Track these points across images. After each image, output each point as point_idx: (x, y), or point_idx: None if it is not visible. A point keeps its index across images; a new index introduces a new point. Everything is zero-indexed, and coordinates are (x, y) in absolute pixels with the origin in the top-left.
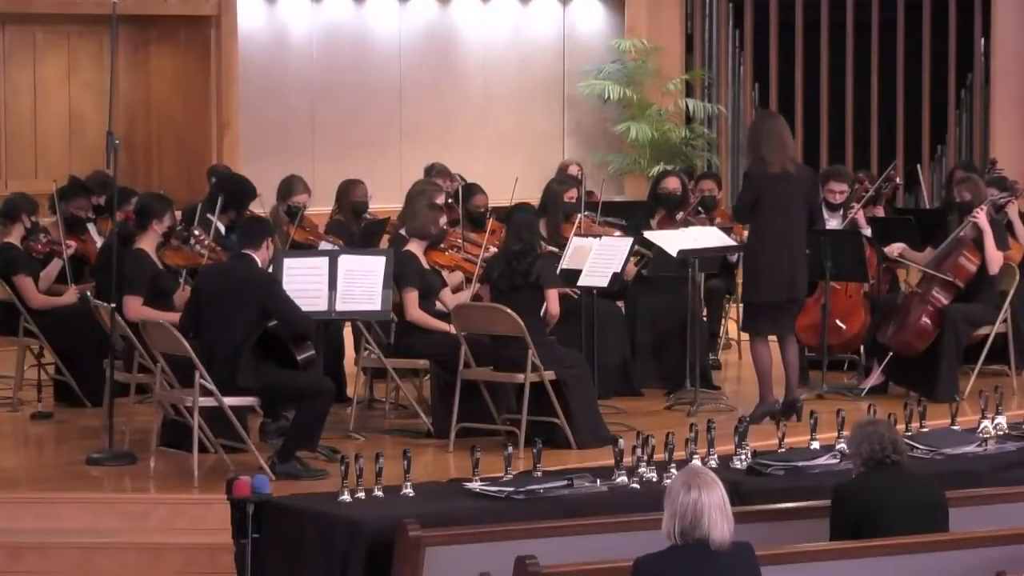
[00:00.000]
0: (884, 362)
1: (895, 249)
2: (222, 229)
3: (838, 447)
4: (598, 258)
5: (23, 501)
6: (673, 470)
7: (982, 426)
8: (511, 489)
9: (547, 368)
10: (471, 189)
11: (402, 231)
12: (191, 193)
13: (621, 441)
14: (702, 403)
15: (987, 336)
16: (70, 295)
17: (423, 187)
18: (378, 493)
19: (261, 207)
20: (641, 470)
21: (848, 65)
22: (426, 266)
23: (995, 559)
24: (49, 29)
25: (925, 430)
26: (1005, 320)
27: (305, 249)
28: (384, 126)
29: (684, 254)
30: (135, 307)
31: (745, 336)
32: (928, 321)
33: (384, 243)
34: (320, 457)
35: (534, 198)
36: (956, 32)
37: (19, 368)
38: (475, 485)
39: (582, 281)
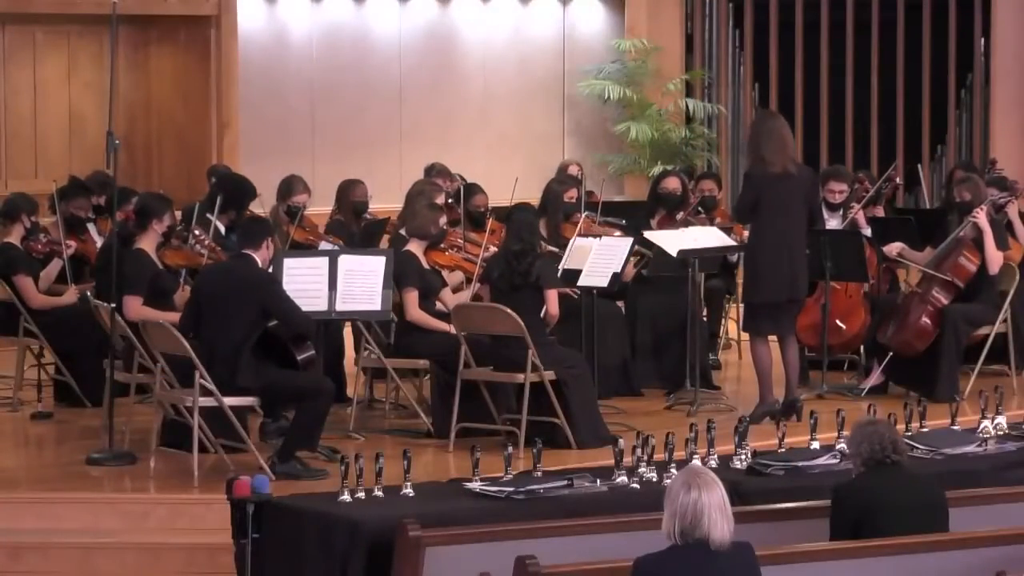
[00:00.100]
0: (884, 362)
1: (893, 249)
2: (222, 229)
3: (838, 447)
4: (598, 258)
5: (23, 501)
6: (673, 470)
7: (982, 426)
8: (511, 489)
9: (547, 368)
10: (471, 189)
11: (402, 231)
12: (191, 193)
13: (621, 441)
14: (702, 403)
15: (987, 336)
16: (70, 295)
17: (423, 187)
18: (378, 493)
19: (261, 207)
20: (641, 470)
21: (848, 65)
22: (426, 266)
23: (995, 559)
24: (49, 29)
25: (925, 430)
26: (1005, 320)
27: (305, 249)
28: (384, 126)
29: (684, 254)
30: (135, 307)
31: (745, 336)
32: (928, 321)
33: (384, 243)
34: (320, 457)
35: (534, 198)
36: (956, 32)
37: (19, 368)
38: (475, 485)
39: (582, 281)
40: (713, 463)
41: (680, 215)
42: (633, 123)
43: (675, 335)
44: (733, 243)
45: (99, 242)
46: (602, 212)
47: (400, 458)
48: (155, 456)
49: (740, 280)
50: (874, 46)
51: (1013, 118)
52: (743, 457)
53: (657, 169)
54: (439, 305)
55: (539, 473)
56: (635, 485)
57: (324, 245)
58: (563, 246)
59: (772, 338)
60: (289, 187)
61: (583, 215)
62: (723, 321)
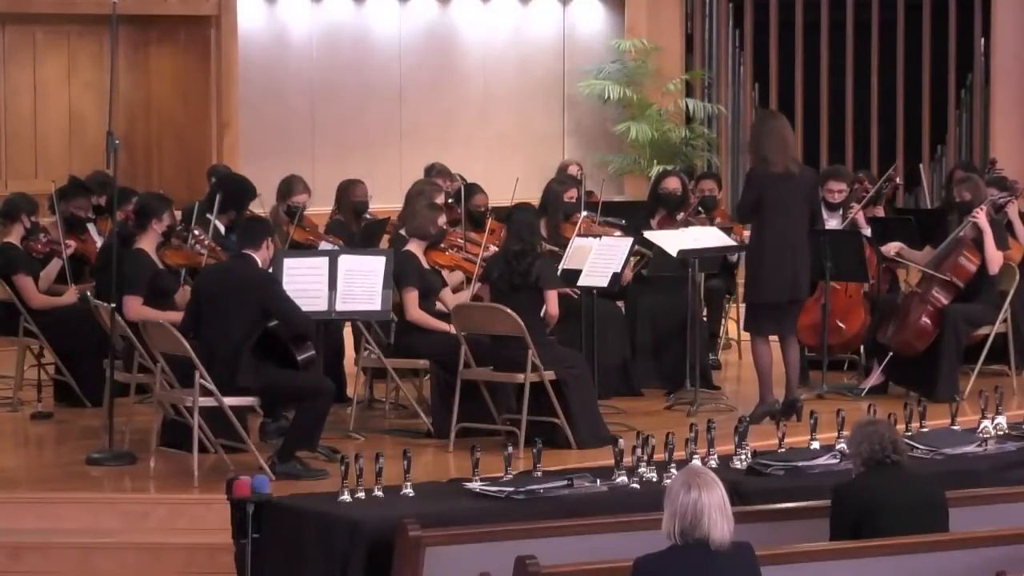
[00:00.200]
0: (884, 362)
1: (892, 248)
2: (222, 229)
3: (838, 447)
4: (598, 258)
5: (23, 501)
6: (673, 470)
7: (982, 426)
8: (511, 489)
9: (547, 368)
10: (471, 189)
11: (402, 231)
12: (191, 193)
13: (621, 441)
14: (702, 403)
15: (987, 336)
16: (70, 295)
17: (423, 187)
18: (378, 493)
19: (261, 207)
20: (641, 470)
21: (848, 65)
22: (426, 266)
23: (995, 559)
24: (49, 29)
25: (925, 430)
26: (1005, 320)
27: (305, 249)
28: (384, 126)
29: (684, 254)
30: (135, 307)
31: (745, 336)
32: (928, 321)
33: (384, 243)
34: (320, 457)
35: (534, 198)
36: (956, 32)
37: (19, 368)
38: (475, 485)
39: (582, 281)
40: (713, 463)
41: (680, 215)
42: (633, 123)
43: (675, 335)
44: (733, 243)
45: (99, 242)
46: (602, 212)
47: (400, 458)
48: (155, 456)
49: (740, 280)
50: (874, 46)
51: (1013, 118)
52: (743, 457)
53: (657, 169)
54: (439, 305)
55: (539, 473)
56: (635, 485)
57: (324, 245)
58: (563, 246)
59: (773, 338)
60: (289, 187)
61: (583, 215)
62: (723, 321)
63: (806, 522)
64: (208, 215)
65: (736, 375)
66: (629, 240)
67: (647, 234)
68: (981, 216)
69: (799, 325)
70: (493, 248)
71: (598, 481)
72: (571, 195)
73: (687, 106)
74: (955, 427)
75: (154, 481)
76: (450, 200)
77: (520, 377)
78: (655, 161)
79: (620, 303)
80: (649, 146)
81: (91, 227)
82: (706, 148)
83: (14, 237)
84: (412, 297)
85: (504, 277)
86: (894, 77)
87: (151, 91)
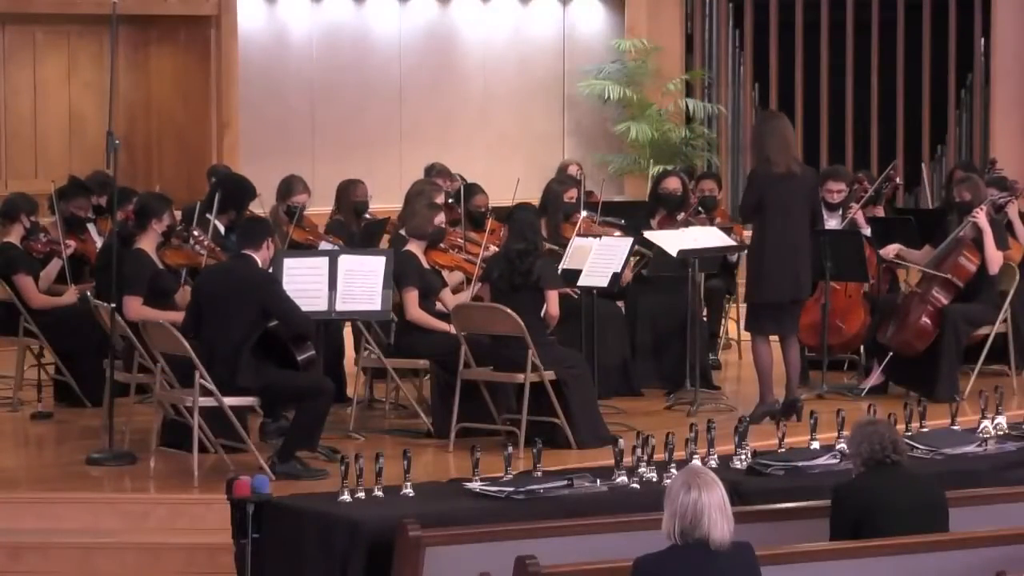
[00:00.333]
0: (884, 362)
1: (891, 251)
2: (222, 229)
3: (838, 447)
4: (598, 258)
5: (23, 501)
6: (673, 470)
7: (982, 426)
8: (511, 489)
9: (547, 368)
10: (471, 189)
11: (402, 231)
12: (191, 193)
13: (621, 441)
14: (702, 403)
15: (987, 336)
16: (70, 295)
17: (423, 187)
18: (378, 493)
19: (261, 207)
20: (641, 470)
21: (848, 65)
22: (426, 266)
23: (995, 559)
24: (49, 29)
25: (925, 430)
26: (1005, 320)
27: (304, 249)
28: (384, 126)
29: (684, 254)
30: (135, 307)
31: (745, 336)
32: (928, 321)
33: (384, 243)
34: (320, 457)
35: (534, 198)
36: (956, 32)
37: (19, 368)
38: (475, 485)
39: (582, 281)
40: (713, 463)
41: (680, 215)
42: (633, 123)
43: (675, 335)
44: (733, 243)
45: (99, 242)
46: (602, 212)
47: (400, 458)
48: (155, 456)
49: (740, 280)
50: (874, 46)
51: (1013, 118)
52: (743, 457)
53: (657, 169)
54: (439, 305)
55: (539, 473)
56: (635, 485)
57: (324, 245)
58: (563, 246)
59: (773, 338)
60: (289, 187)
61: (583, 215)
62: (723, 321)
63: (806, 522)
64: (208, 215)
65: (736, 375)
66: (629, 240)
67: (647, 234)
68: (981, 216)
69: (799, 325)
70: (493, 248)
71: (598, 481)
72: (571, 195)
73: (687, 106)
74: (955, 427)
75: (154, 481)
76: (450, 200)
77: (520, 377)
78: (656, 161)
79: (620, 303)
80: (649, 146)
81: (91, 227)
82: (706, 148)
83: (14, 237)
84: (412, 297)
85: (505, 277)
86: (894, 77)
87: (151, 91)
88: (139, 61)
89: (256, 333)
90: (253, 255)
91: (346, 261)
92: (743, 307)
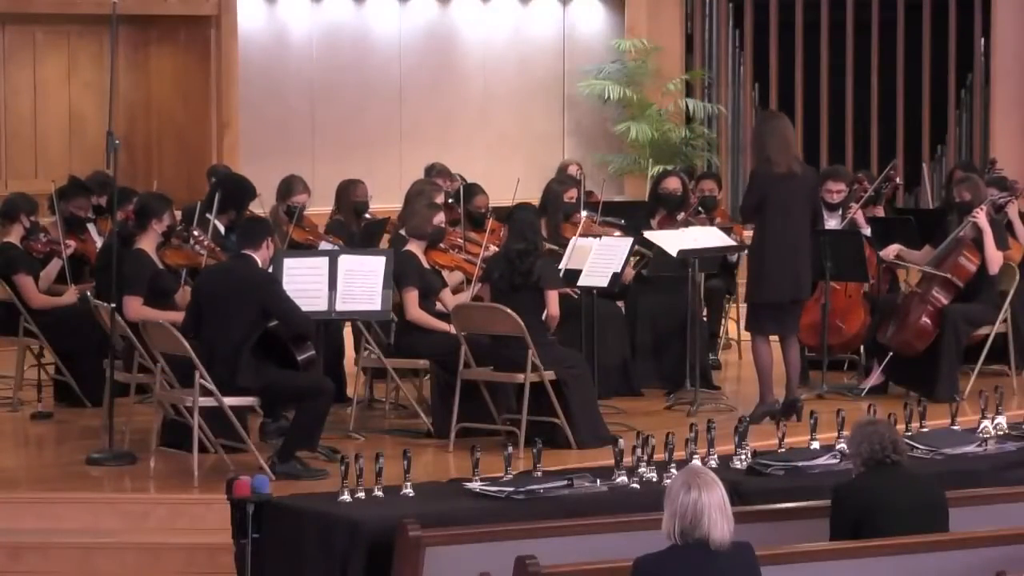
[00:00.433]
0: (884, 362)
1: (891, 252)
2: (221, 229)
3: (838, 447)
4: (598, 258)
5: (23, 501)
6: (673, 470)
7: (982, 426)
8: (511, 489)
9: (547, 368)
10: (472, 190)
11: (402, 231)
12: (191, 193)
13: (621, 441)
14: (702, 403)
15: (987, 336)
16: (70, 295)
17: (422, 187)
18: (378, 493)
19: (261, 207)
20: (641, 470)
21: (848, 65)
22: (426, 266)
23: (995, 559)
24: (49, 29)
25: (925, 430)
26: (1005, 320)
27: (304, 249)
28: (384, 126)
29: (684, 254)
30: (135, 307)
31: (745, 336)
32: (928, 321)
33: (384, 243)
34: (320, 457)
35: (534, 198)
36: (956, 32)
37: (19, 368)
38: (475, 485)
39: (582, 281)
40: (713, 463)
41: (680, 215)
42: (633, 123)
43: (675, 335)
44: (733, 243)
45: (99, 242)
46: (602, 212)
47: (400, 458)
48: (155, 456)
49: (740, 280)
50: (874, 46)
51: (1013, 118)
52: (743, 457)
53: (657, 169)
54: (439, 305)
55: (539, 473)
56: (635, 485)
57: (324, 245)
58: (563, 246)
59: (773, 337)
60: (289, 187)
61: (583, 215)
62: (723, 321)
63: (806, 522)
64: (208, 215)
65: (736, 375)
66: (629, 240)
67: (647, 234)
68: (981, 216)
69: (799, 325)
70: (493, 248)
71: (598, 481)
72: (571, 195)
73: (687, 106)
74: (955, 427)
75: (154, 481)
76: (450, 200)
77: (520, 377)
78: (656, 161)
79: (620, 303)
80: (649, 146)
81: (91, 227)
82: (706, 148)
83: (14, 237)
84: (412, 297)
85: (505, 277)
86: (894, 77)
87: (151, 91)
88: (139, 61)
89: (256, 333)
90: (253, 255)
91: (346, 261)
92: (743, 307)
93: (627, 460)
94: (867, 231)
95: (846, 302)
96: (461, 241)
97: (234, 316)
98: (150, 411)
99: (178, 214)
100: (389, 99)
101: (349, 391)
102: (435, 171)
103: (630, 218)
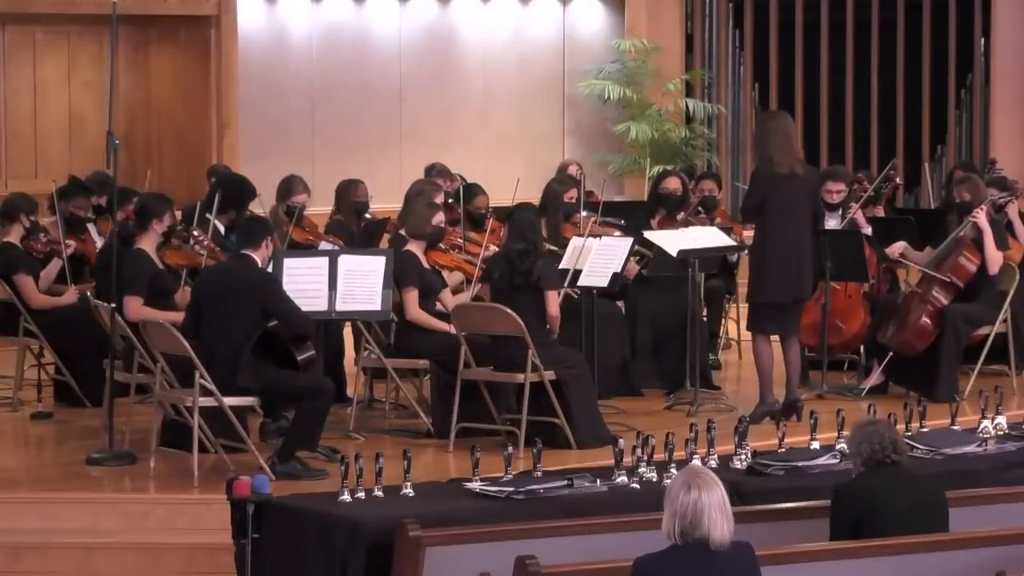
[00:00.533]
0: (884, 362)
1: (896, 248)
2: (222, 229)
3: (838, 447)
4: (598, 258)
5: (23, 501)
6: (673, 470)
7: (982, 426)
8: (511, 489)
9: (547, 368)
10: (472, 190)
11: (402, 231)
12: (191, 193)
13: (621, 441)
14: (702, 403)
15: (987, 336)
16: (70, 295)
17: (422, 187)
18: (378, 493)
19: (261, 207)
20: (641, 470)
21: (848, 65)
22: (426, 266)
23: (995, 559)
24: (49, 29)
25: (925, 430)
26: (1005, 320)
27: (304, 249)
28: (384, 126)
29: (684, 254)
30: (135, 307)
31: (745, 336)
32: (928, 321)
33: (384, 243)
34: (320, 457)
35: (534, 198)
36: (956, 32)
37: (19, 368)
38: (475, 485)
39: (582, 281)
40: (713, 463)
41: (680, 215)
42: (633, 123)
43: (675, 335)
44: (733, 243)
45: (99, 242)
46: (602, 212)
47: (400, 458)
48: (155, 456)
49: (740, 280)
50: (874, 46)
51: (1013, 118)
52: (743, 457)
53: (657, 169)
54: (439, 305)
55: (539, 473)
56: (635, 485)
57: (324, 245)
58: (563, 246)
59: (774, 337)
60: (289, 187)
61: (583, 215)
62: (723, 321)
63: (806, 522)
64: (208, 215)
65: (736, 375)
66: (629, 240)
67: (647, 234)
68: (981, 216)
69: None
70: (493, 248)
71: (598, 481)
72: (571, 195)
73: (687, 106)
74: (955, 427)
75: (154, 481)
76: (450, 200)
77: (520, 377)
78: (656, 161)
79: (620, 303)
80: (649, 146)
81: (91, 227)
82: (706, 148)
83: (14, 237)
84: (412, 297)
85: (505, 277)
86: (894, 77)
87: (151, 91)
88: (139, 61)
89: (256, 333)
90: (253, 255)
91: (346, 261)
92: (743, 307)
93: (627, 460)
94: (868, 230)
95: (846, 302)
96: (461, 241)
97: (234, 316)
98: (150, 411)
99: (178, 214)
100: (389, 99)
101: (349, 391)
102: (435, 171)
103: (630, 218)
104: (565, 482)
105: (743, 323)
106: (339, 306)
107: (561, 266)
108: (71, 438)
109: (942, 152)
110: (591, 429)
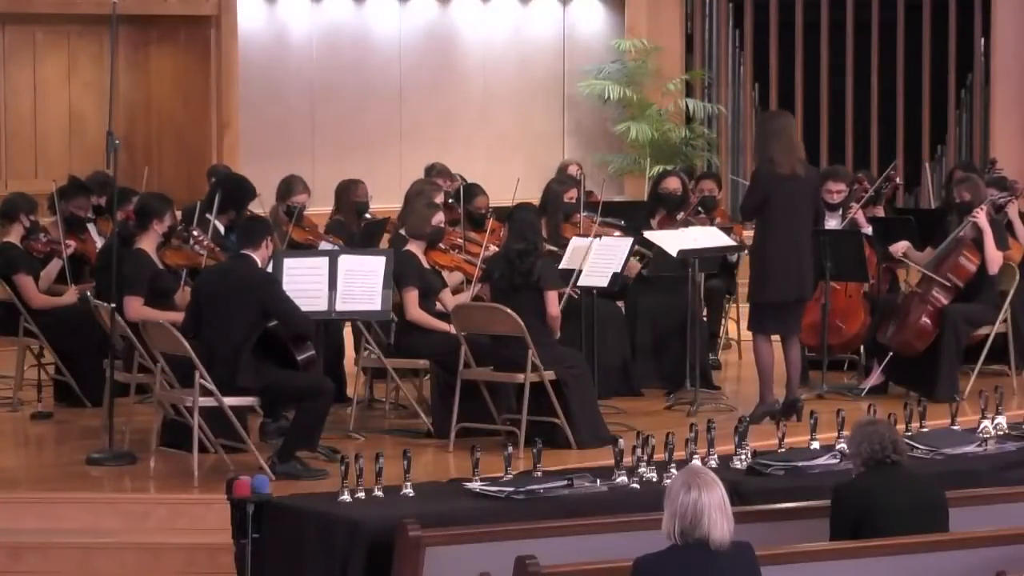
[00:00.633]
0: (884, 362)
1: (899, 248)
2: (221, 229)
3: (838, 447)
4: (598, 258)
5: (23, 501)
6: (673, 470)
7: (982, 426)
8: (511, 489)
9: (547, 368)
10: (472, 190)
11: (402, 231)
12: (191, 193)
13: (621, 441)
14: (702, 403)
15: (987, 336)
16: (70, 295)
17: (422, 187)
18: (378, 493)
19: (261, 207)
20: (641, 470)
21: (848, 65)
22: (426, 266)
23: (995, 559)
24: (49, 29)
25: (925, 430)
26: (1005, 320)
27: (304, 249)
28: (384, 126)
29: (684, 254)
30: (135, 307)
31: (745, 336)
32: (928, 321)
33: (384, 243)
34: (320, 457)
35: (534, 198)
36: (956, 32)
37: (19, 368)
38: (475, 485)
39: (582, 281)
40: (713, 463)
41: (680, 215)
42: (633, 123)
43: (675, 335)
44: (733, 243)
45: (99, 242)
46: (602, 212)
47: (400, 458)
48: (155, 456)
49: (740, 280)
50: (874, 46)
51: (1013, 118)
52: (743, 457)
53: (657, 169)
54: (439, 305)
55: (539, 473)
56: (635, 485)
57: (324, 245)
58: (563, 246)
59: (774, 337)
60: (289, 187)
61: (583, 215)
62: (723, 321)
63: (806, 522)
64: (208, 215)
65: (736, 375)
66: (629, 240)
67: (647, 234)
68: (981, 216)
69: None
70: (493, 248)
71: (598, 481)
72: (571, 195)
73: (687, 106)
74: (955, 427)
75: (154, 481)
76: (450, 200)
77: (520, 377)
78: (656, 161)
79: (620, 303)
80: (649, 146)
81: (91, 227)
82: (706, 148)
83: (14, 237)
84: (412, 297)
85: (505, 277)
86: (894, 77)
87: (151, 91)
88: (139, 61)
89: (256, 333)
90: (252, 255)
91: (346, 261)
92: (743, 307)
93: (627, 460)
94: (868, 230)
95: (846, 302)
96: (461, 241)
97: (234, 316)
98: (150, 411)
99: (178, 214)
100: (389, 99)
101: (349, 391)
102: (435, 171)
103: (630, 218)
104: (565, 482)
105: (743, 323)
106: (339, 306)
107: (563, 266)
108: (71, 438)
109: (942, 152)
110: (591, 429)
